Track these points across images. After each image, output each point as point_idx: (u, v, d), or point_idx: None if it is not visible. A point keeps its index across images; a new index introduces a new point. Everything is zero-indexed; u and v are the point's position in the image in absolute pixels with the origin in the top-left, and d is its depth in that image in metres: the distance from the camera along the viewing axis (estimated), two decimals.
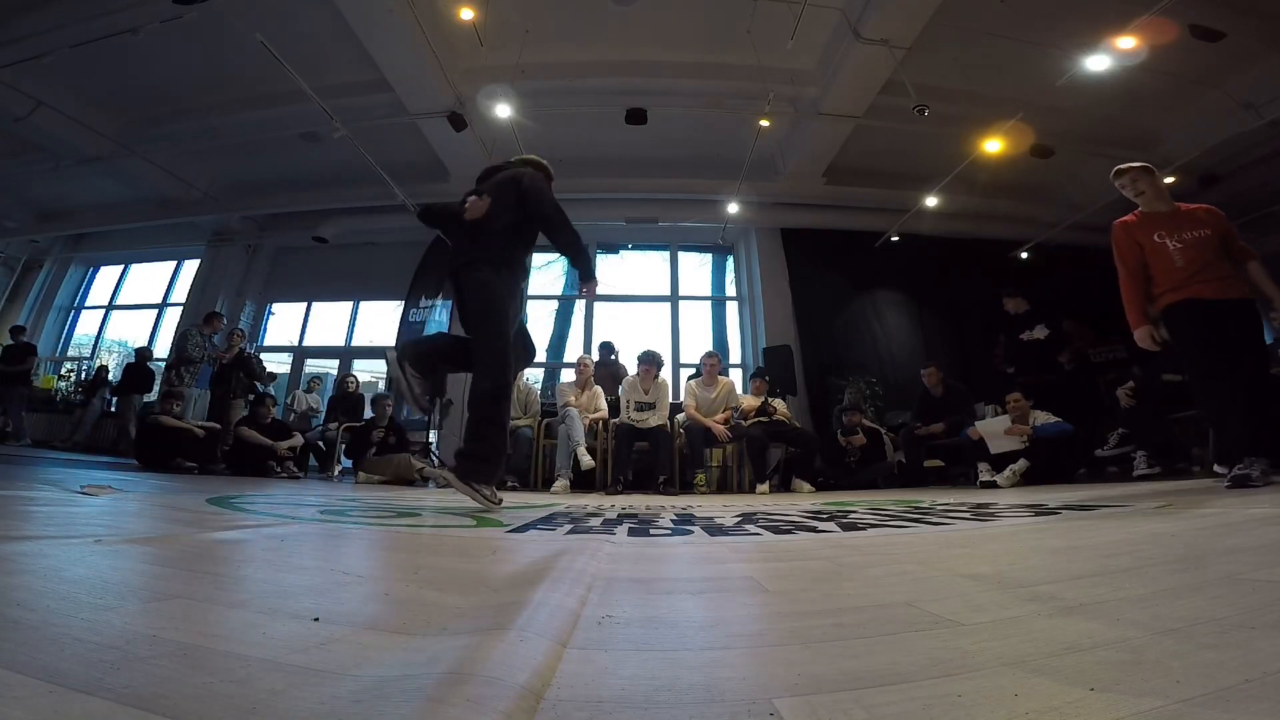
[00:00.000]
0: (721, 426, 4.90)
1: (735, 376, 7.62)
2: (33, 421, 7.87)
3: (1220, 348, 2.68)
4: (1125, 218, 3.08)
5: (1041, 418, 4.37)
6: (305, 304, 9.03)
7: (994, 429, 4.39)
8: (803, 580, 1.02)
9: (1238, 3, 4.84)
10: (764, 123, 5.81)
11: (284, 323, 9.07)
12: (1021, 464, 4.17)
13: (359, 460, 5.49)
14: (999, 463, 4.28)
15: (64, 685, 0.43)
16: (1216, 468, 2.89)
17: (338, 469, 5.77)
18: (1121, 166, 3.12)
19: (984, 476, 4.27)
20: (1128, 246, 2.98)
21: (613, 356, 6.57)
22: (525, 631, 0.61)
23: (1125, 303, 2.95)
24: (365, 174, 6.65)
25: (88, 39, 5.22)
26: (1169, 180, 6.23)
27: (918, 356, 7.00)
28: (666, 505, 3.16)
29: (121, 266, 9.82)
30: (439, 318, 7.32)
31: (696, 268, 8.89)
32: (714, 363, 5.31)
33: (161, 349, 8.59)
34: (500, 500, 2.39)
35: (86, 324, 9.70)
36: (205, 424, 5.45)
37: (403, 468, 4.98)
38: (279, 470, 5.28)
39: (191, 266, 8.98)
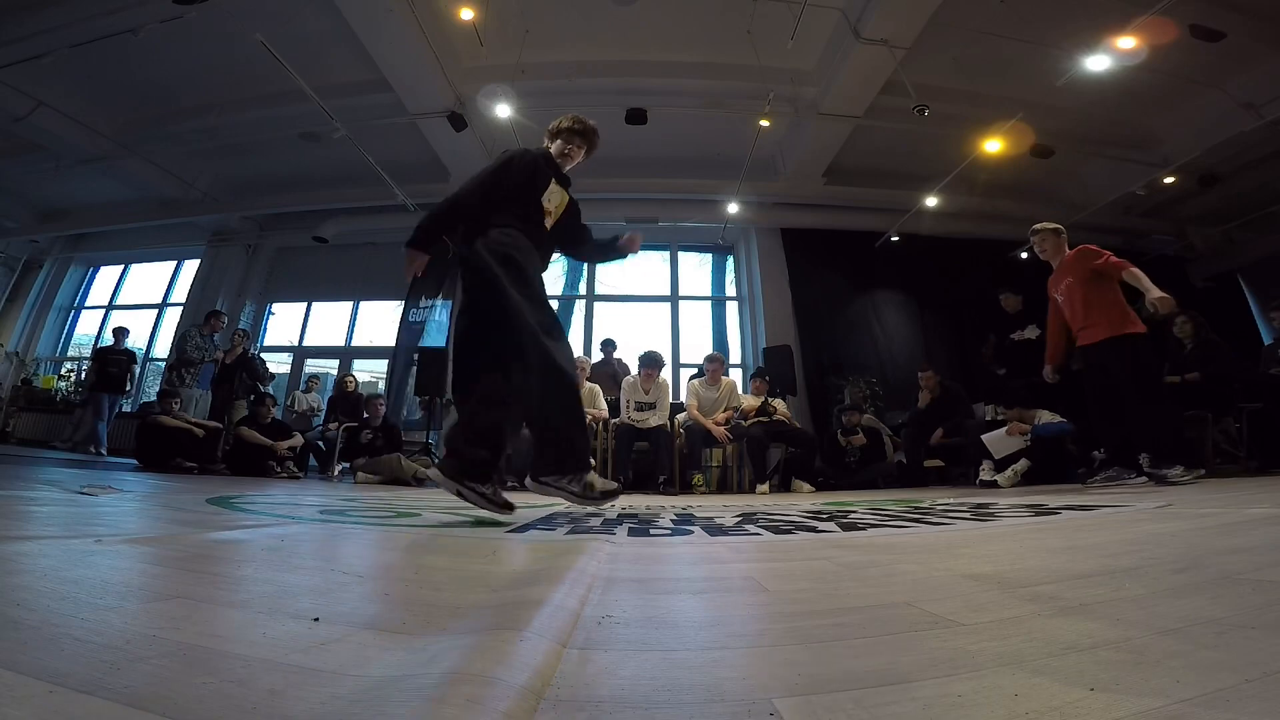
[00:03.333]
0: (721, 428, 4.90)
1: (735, 376, 7.62)
2: (32, 421, 7.87)
3: (1103, 383, 3.28)
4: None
5: (1046, 416, 4.38)
6: (305, 304, 9.03)
7: (997, 436, 4.42)
8: (803, 580, 1.02)
9: (1238, 3, 4.84)
10: (764, 123, 5.81)
11: (284, 323, 9.08)
12: (1023, 464, 4.17)
13: (353, 461, 5.50)
14: (1001, 462, 4.30)
15: (64, 685, 0.43)
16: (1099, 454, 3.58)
17: (337, 469, 5.78)
18: (1035, 227, 3.67)
19: (984, 475, 4.27)
20: (1050, 302, 3.63)
21: (616, 355, 6.55)
22: (525, 631, 0.61)
23: (1047, 344, 3.71)
24: (365, 174, 6.65)
25: (88, 39, 5.22)
26: (1169, 180, 6.30)
27: (918, 356, 7.00)
28: (666, 505, 3.16)
29: (121, 266, 9.82)
30: (439, 318, 7.31)
31: (696, 268, 8.89)
32: (716, 366, 5.32)
33: (162, 349, 8.60)
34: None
35: (86, 324, 9.70)
36: (205, 423, 5.45)
37: (394, 468, 4.97)
38: (279, 470, 5.28)
39: (191, 266, 8.98)
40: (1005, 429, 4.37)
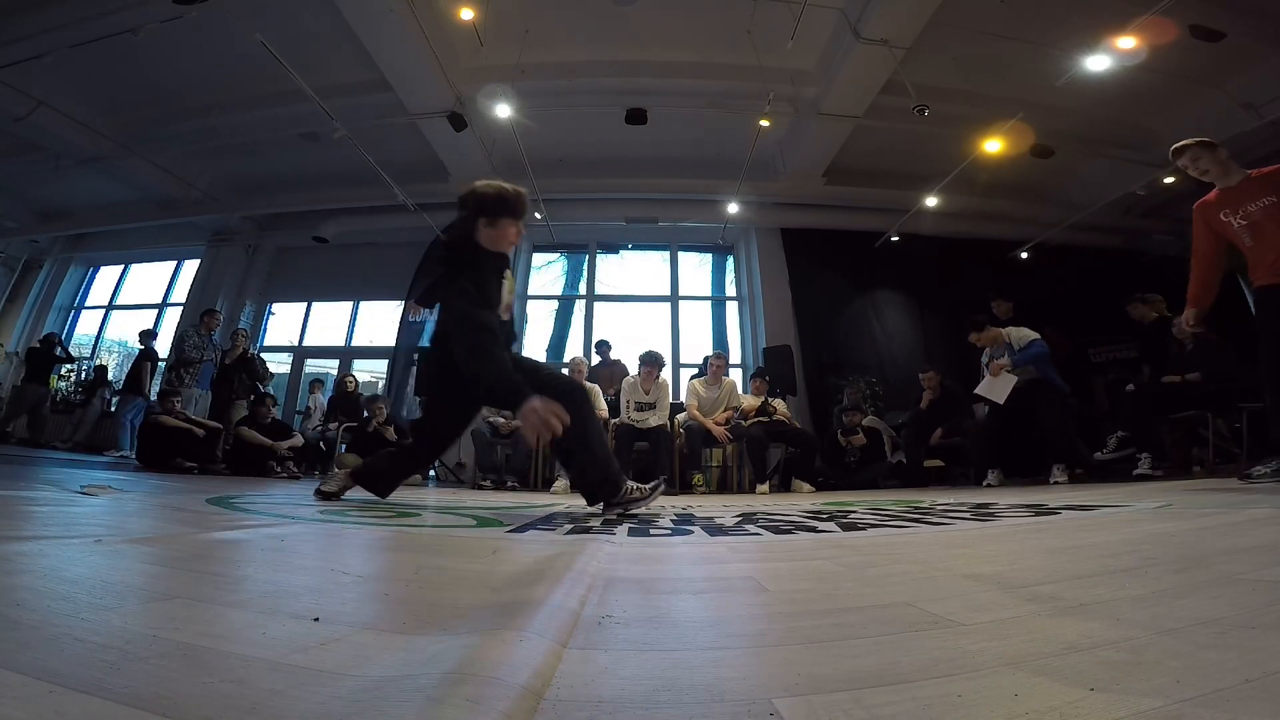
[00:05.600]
0: (721, 429, 4.89)
1: (735, 376, 7.63)
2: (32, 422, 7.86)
3: None
4: (1205, 197, 2.96)
5: (1015, 334, 4.42)
6: (305, 304, 9.03)
7: (987, 384, 4.46)
8: (803, 580, 1.02)
9: (1238, 3, 4.84)
10: (764, 123, 5.81)
11: (284, 323, 9.08)
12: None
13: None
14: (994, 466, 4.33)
15: (64, 685, 0.43)
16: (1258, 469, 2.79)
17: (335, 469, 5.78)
18: (1179, 144, 2.96)
19: (990, 481, 4.29)
20: (1201, 230, 2.91)
21: (612, 356, 6.57)
22: (525, 631, 0.61)
23: (1190, 280, 2.91)
24: (365, 174, 6.64)
25: (88, 39, 5.21)
26: (1169, 180, 6.29)
27: (918, 356, 7.00)
28: (666, 505, 3.16)
29: (121, 266, 9.82)
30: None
31: (696, 268, 8.90)
32: (720, 363, 5.33)
33: (162, 349, 8.60)
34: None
35: (86, 324, 9.70)
36: (205, 423, 5.45)
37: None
38: (279, 470, 5.28)
39: (191, 266, 8.98)
40: (988, 375, 4.41)
